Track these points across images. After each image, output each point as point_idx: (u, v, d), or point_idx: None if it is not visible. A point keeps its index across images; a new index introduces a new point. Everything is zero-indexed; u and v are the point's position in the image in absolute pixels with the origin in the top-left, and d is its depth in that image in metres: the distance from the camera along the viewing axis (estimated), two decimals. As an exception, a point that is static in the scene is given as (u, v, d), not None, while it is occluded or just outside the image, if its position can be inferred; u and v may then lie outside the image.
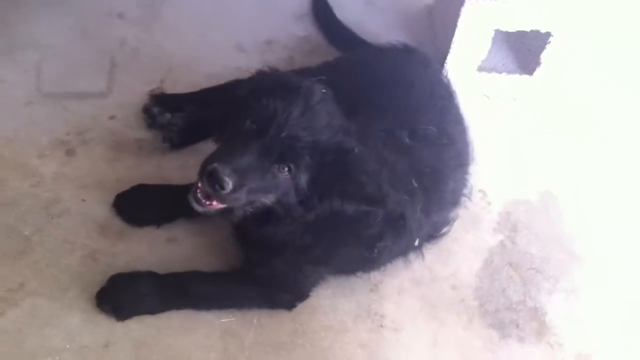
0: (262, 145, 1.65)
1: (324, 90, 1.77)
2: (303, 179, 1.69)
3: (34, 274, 2.03)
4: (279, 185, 1.71)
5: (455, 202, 2.23)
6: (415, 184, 1.95)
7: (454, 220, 2.27)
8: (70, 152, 2.34)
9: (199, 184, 1.70)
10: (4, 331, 1.91)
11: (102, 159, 2.33)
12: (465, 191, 2.27)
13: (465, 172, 2.23)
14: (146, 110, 2.41)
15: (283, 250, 1.91)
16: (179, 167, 2.32)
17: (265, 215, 1.81)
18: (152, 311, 1.98)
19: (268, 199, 1.74)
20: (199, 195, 1.72)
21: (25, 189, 2.21)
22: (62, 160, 2.31)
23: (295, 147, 1.65)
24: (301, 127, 1.66)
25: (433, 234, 2.23)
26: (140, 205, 2.19)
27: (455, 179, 2.16)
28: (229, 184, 1.60)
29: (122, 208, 2.18)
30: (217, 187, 1.61)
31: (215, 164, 1.60)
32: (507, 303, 2.24)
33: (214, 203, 1.72)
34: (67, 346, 1.90)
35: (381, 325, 2.11)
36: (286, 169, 1.68)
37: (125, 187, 2.21)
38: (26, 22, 2.69)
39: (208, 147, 1.94)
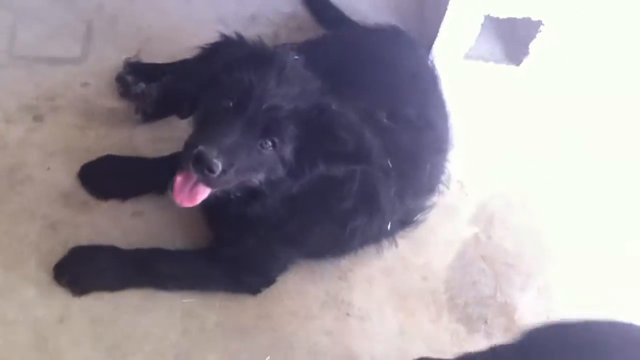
0: (245, 121, 1.60)
1: (296, 57, 1.73)
2: (287, 150, 1.66)
3: (-11, 242, 1.95)
4: (265, 161, 1.66)
5: (431, 189, 2.18)
6: (390, 165, 1.88)
7: (430, 208, 2.21)
8: (38, 118, 2.26)
9: (178, 177, 1.64)
10: (-45, 299, 1.84)
11: (71, 127, 2.25)
12: (443, 178, 2.21)
13: (444, 158, 2.18)
14: (120, 78, 2.33)
15: (257, 228, 1.86)
16: (150, 139, 2.25)
17: (249, 194, 1.75)
18: (111, 287, 1.91)
19: (257, 178, 1.69)
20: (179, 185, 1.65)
21: (-13, 154, 2.13)
22: (29, 125, 2.23)
23: (278, 117, 1.61)
24: (280, 96, 1.62)
25: (406, 221, 2.16)
26: (106, 177, 2.11)
27: (433, 164, 2.11)
28: (219, 166, 1.53)
29: (87, 178, 2.11)
30: (206, 171, 1.53)
31: (200, 147, 1.53)
32: (478, 297, 2.18)
33: (199, 194, 1.65)
34: (21, 318, 1.84)
35: (347, 314, 2.06)
36: (270, 143, 1.63)
37: (94, 157, 2.13)
38: (-1, -18, 2.59)
39: (182, 120, 1.88)
